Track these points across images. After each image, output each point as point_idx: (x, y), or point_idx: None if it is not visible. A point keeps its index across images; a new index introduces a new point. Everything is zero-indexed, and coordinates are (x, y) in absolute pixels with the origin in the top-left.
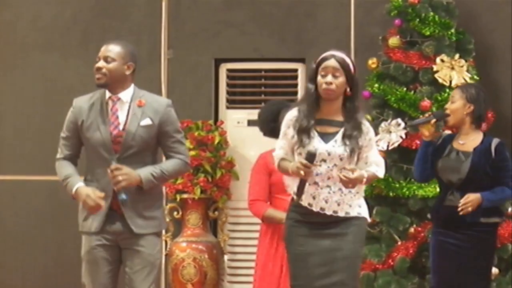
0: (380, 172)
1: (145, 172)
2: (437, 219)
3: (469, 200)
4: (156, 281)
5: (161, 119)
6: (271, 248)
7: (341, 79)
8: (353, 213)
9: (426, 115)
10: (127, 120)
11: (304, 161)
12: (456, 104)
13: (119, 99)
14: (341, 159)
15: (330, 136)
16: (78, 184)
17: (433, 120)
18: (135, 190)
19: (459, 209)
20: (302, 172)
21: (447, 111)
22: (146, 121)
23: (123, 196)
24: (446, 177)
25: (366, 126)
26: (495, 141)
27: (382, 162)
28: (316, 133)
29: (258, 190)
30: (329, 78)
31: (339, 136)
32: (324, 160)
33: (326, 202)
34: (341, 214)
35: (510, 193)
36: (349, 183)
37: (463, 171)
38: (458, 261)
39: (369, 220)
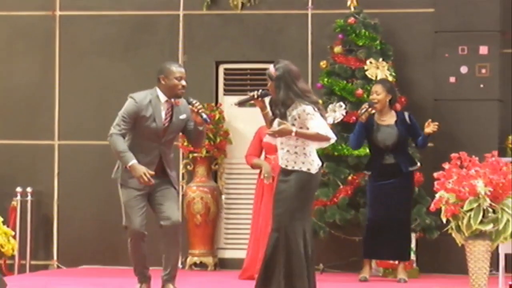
0: (321, 131)
1: None
2: (376, 173)
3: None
4: None
5: (187, 114)
6: (260, 191)
7: (269, 84)
8: (296, 167)
9: (364, 105)
10: (173, 115)
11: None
12: (381, 95)
13: (172, 101)
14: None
15: None
16: (133, 161)
17: (370, 109)
18: (170, 158)
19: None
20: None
21: (375, 100)
22: (183, 116)
23: (204, 115)
24: (384, 143)
25: (297, 109)
26: (406, 113)
27: (321, 126)
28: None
29: (251, 149)
30: (268, 85)
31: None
32: None
33: (282, 158)
34: (289, 167)
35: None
36: (275, 134)
37: (394, 137)
38: (392, 198)
39: (312, 172)
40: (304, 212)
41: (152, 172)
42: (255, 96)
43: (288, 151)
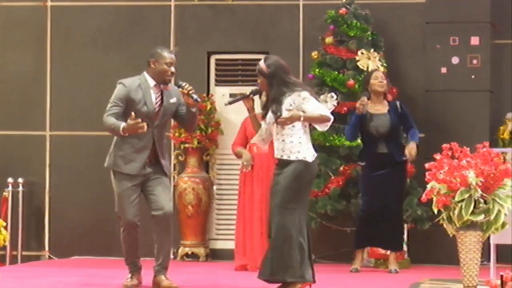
0: (323, 112)
1: None
2: (370, 163)
3: (413, 153)
4: None
5: (178, 97)
6: (242, 180)
7: (260, 79)
8: (292, 157)
9: (361, 100)
10: (163, 99)
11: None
12: (385, 82)
13: (161, 86)
14: (275, 121)
15: None
16: (123, 124)
17: (366, 101)
18: (163, 144)
19: (410, 160)
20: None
21: (383, 83)
22: (173, 100)
23: (195, 96)
24: (377, 131)
25: (292, 95)
26: (398, 102)
27: (320, 107)
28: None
29: (237, 138)
30: (258, 80)
31: None
32: (274, 122)
33: (277, 149)
34: (285, 157)
35: (417, 131)
36: (286, 122)
37: (387, 124)
38: (385, 188)
39: (308, 160)
40: (298, 202)
41: (136, 119)
42: (247, 94)
43: (283, 140)
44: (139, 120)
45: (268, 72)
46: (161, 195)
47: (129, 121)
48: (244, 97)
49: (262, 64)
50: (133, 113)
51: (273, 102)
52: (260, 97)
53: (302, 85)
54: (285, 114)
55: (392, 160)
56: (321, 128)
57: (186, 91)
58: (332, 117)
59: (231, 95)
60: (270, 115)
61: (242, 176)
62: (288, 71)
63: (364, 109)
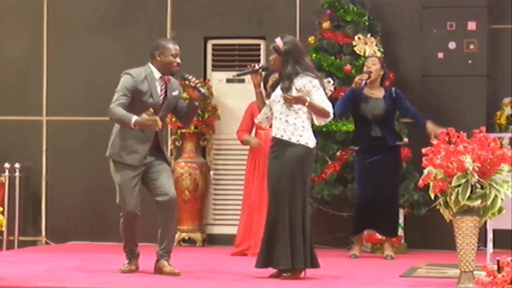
0: (327, 107)
1: None
2: (364, 147)
3: (437, 131)
4: None
5: (179, 91)
6: (252, 165)
7: (273, 56)
8: (293, 139)
9: (361, 75)
10: (167, 91)
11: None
12: (376, 67)
13: (165, 78)
14: (282, 98)
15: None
16: (135, 117)
17: (366, 78)
18: (163, 135)
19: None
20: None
21: (370, 69)
22: (175, 92)
23: (202, 90)
24: (372, 114)
25: (303, 79)
26: (393, 89)
27: (326, 101)
28: (279, 86)
29: (243, 124)
30: (270, 58)
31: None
32: (279, 101)
33: (278, 129)
34: (285, 138)
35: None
36: (291, 100)
37: (381, 108)
38: (380, 173)
39: (310, 146)
40: (303, 188)
41: (151, 112)
42: (257, 68)
43: (286, 121)
44: (157, 117)
45: (284, 50)
46: (166, 181)
47: (145, 115)
48: (253, 71)
49: (278, 41)
50: (151, 109)
51: (285, 79)
52: (262, 72)
53: (313, 70)
54: (294, 93)
55: (385, 145)
56: (318, 121)
57: (193, 84)
58: (332, 115)
59: (228, 80)
60: (277, 93)
61: (251, 161)
62: (303, 52)
63: (361, 85)
